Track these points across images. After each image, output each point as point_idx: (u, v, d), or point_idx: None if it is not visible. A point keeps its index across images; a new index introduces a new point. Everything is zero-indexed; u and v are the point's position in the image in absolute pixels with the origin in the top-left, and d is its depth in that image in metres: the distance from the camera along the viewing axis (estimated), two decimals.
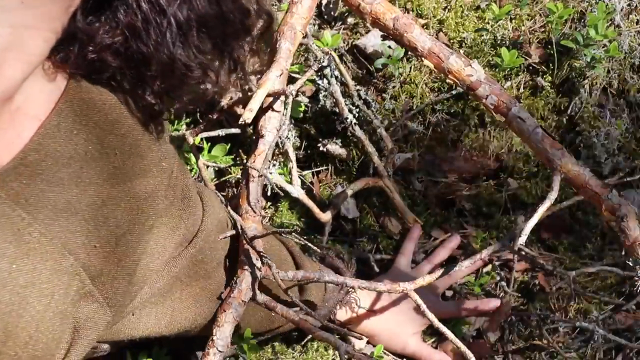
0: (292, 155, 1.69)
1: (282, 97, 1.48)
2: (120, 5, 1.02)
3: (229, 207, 1.43)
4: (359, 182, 1.76)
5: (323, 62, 1.71)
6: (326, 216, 1.71)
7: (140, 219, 1.15)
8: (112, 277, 1.12)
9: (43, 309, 1.02)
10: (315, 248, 1.49)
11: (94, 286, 1.09)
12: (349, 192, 1.76)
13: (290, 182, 1.64)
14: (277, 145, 1.52)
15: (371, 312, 1.62)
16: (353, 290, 1.60)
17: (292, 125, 1.79)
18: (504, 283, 1.72)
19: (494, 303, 1.66)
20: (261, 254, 1.34)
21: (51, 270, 1.03)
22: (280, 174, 1.77)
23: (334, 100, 1.76)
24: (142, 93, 1.10)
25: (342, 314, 1.61)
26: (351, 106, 1.78)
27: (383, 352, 1.64)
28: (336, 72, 1.77)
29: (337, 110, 1.76)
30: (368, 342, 1.67)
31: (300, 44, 1.60)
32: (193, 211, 1.28)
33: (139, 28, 1.02)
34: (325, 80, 1.78)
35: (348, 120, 1.73)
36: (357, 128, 1.75)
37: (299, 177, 1.72)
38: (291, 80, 1.70)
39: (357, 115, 1.77)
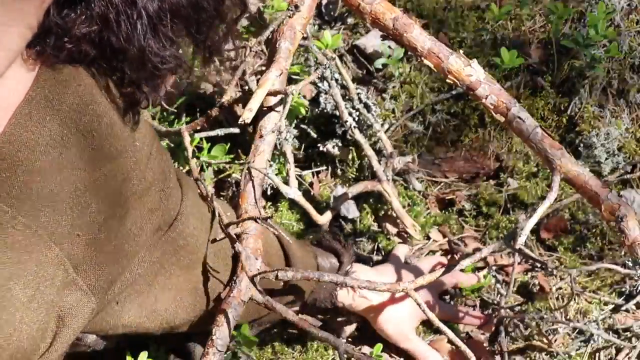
0: (290, 156, 1.70)
1: (282, 97, 1.48)
2: (96, 6, 1.01)
3: (212, 195, 1.41)
4: (358, 186, 1.76)
5: (327, 67, 1.71)
6: (324, 218, 1.71)
7: (119, 201, 1.14)
8: (95, 264, 1.11)
9: (27, 300, 1.02)
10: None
11: (77, 274, 1.08)
12: (349, 195, 1.76)
13: (287, 184, 1.65)
14: (275, 146, 1.52)
15: (377, 299, 1.62)
16: (354, 271, 1.59)
17: (291, 127, 1.79)
18: (498, 286, 1.72)
19: (477, 320, 1.68)
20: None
21: (36, 261, 1.02)
22: (277, 174, 1.77)
23: (334, 103, 1.76)
24: (119, 82, 1.10)
25: (346, 297, 1.60)
26: (351, 109, 1.77)
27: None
28: (337, 75, 1.77)
29: (338, 113, 1.76)
30: (359, 329, 1.66)
31: (300, 45, 1.60)
32: (172, 192, 1.27)
33: (110, 19, 1.01)
34: (325, 83, 1.77)
35: (348, 124, 1.73)
36: (356, 132, 1.74)
37: (297, 179, 1.72)
38: (290, 81, 1.70)
39: (357, 118, 1.77)
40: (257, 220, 1.40)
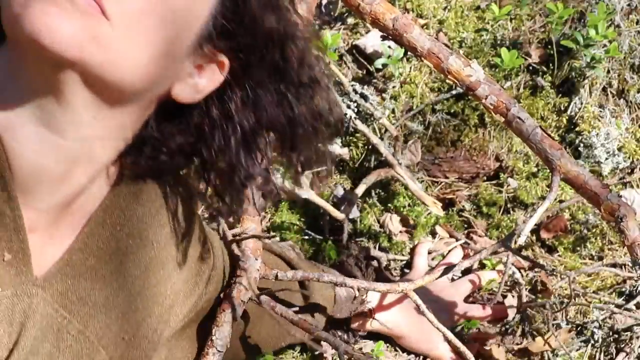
0: None
1: None
2: (193, 109, 1.03)
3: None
4: (371, 176, 1.74)
5: None
6: (342, 214, 1.70)
7: (160, 299, 1.17)
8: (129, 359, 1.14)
9: None
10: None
11: None
12: (363, 187, 1.74)
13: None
14: None
15: (397, 312, 1.61)
16: (369, 302, 1.57)
17: None
18: (517, 276, 1.70)
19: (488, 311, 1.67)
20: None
21: None
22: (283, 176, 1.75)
23: None
24: (202, 196, 1.11)
25: (362, 325, 1.60)
26: (349, 102, 1.77)
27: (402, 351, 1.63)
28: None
29: None
30: (392, 342, 1.65)
31: None
32: (206, 272, 1.28)
33: (205, 131, 1.03)
34: None
35: (347, 116, 1.72)
36: (358, 122, 1.74)
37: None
38: None
39: (356, 110, 1.76)
40: (260, 238, 1.39)
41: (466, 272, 1.71)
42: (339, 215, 1.68)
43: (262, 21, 1.01)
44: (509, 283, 1.71)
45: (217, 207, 1.11)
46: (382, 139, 1.78)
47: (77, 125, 0.94)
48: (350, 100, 1.78)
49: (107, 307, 1.07)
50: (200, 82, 1.01)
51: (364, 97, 1.79)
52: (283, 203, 1.81)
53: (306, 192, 1.65)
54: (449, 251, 1.77)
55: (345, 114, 1.73)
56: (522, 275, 1.72)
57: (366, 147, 1.80)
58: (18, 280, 0.98)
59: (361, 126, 1.74)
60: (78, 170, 0.97)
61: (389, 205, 1.80)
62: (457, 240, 1.78)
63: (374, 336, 1.65)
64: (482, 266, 1.73)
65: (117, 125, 0.97)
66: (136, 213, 1.09)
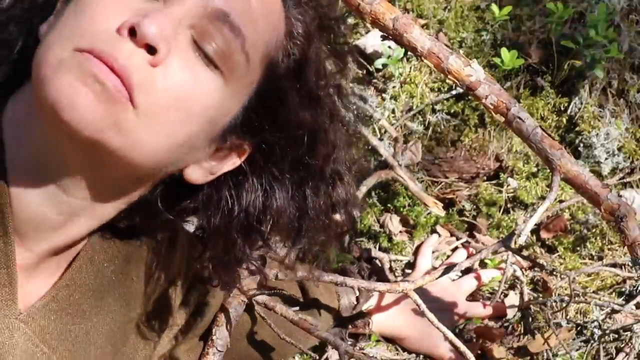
0: None
1: None
2: (205, 189, 1.01)
3: None
4: (372, 178, 1.74)
5: None
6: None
7: (143, 332, 1.15)
8: None
9: None
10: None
11: None
12: (363, 189, 1.74)
13: None
14: None
15: (397, 313, 1.61)
16: (369, 317, 1.56)
17: None
18: (519, 272, 1.70)
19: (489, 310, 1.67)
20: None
21: None
22: None
23: None
24: (198, 256, 1.09)
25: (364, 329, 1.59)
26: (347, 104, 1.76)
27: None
28: None
29: None
30: (392, 342, 1.65)
31: None
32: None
33: (211, 205, 1.01)
34: None
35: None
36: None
37: None
38: None
39: (355, 112, 1.76)
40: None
41: (467, 271, 1.71)
42: None
43: (297, 118, 0.98)
44: (509, 282, 1.71)
45: (209, 274, 1.09)
46: (381, 139, 1.78)
47: (82, 187, 0.93)
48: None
49: (87, 342, 1.05)
50: (216, 167, 0.99)
51: (363, 99, 1.78)
52: None
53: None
54: (453, 251, 1.77)
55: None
56: (522, 273, 1.72)
57: (366, 147, 1.80)
58: (2, 314, 0.97)
59: (360, 128, 1.74)
60: (78, 223, 0.96)
61: (389, 205, 1.80)
62: (458, 239, 1.78)
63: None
64: (483, 266, 1.73)
65: (124, 192, 0.96)
66: (123, 252, 1.08)
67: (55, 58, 0.87)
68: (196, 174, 0.98)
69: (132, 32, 0.86)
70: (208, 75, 0.90)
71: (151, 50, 0.87)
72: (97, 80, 0.85)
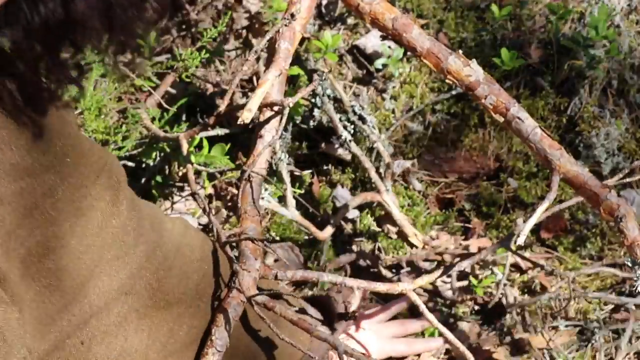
0: (286, 177, 1.70)
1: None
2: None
3: (209, 211, 1.39)
4: (358, 198, 1.76)
5: (319, 83, 1.70)
6: (324, 234, 1.70)
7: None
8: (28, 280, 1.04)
9: None
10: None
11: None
12: (349, 207, 1.76)
13: (285, 203, 1.65)
14: (270, 166, 1.51)
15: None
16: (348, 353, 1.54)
17: (284, 148, 1.77)
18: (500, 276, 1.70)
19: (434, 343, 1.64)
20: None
21: None
22: (273, 193, 1.74)
23: (329, 116, 1.76)
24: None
25: None
26: (346, 122, 1.76)
27: None
28: (328, 91, 1.76)
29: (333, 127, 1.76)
30: None
31: (300, 44, 1.60)
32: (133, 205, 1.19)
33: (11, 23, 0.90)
34: (318, 99, 1.76)
35: (343, 137, 1.73)
36: (352, 145, 1.74)
37: (293, 198, 1.71)
38: (290, 80, 1.70)
39: (352, 132, 1.76)
40: (254, 241, 1.37)
41: (464, 275, 1.72)
42: (320, 235, 1.69)
43: None
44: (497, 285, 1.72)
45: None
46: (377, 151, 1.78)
47: None
48: (348, 121, 1.77)
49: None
50: None
51: (362, 118, 1.78)
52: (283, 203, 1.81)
53: (291, 214, 1.66)
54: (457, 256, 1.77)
55: (341, 136, 1.73)
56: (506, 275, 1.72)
57: (365, 149, 1.80)
58: None
59: (355, 149, 1.75)
60: None
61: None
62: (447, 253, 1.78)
63: None
64: (482, 266, 1.74)
65: None
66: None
67: None
68: None
69: None
70: None
71: None
72: None
